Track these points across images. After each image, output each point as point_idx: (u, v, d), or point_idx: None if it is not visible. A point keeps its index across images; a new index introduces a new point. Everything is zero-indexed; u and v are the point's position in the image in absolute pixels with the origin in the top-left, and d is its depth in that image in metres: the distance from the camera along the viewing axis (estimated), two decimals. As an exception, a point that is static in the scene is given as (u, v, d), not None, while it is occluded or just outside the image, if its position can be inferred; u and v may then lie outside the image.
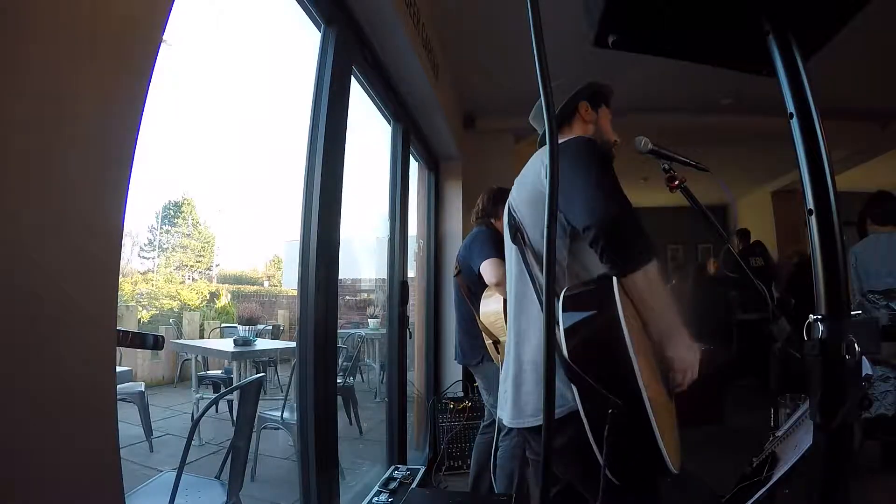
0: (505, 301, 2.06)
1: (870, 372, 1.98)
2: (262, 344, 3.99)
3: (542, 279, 1.03)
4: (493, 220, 2.34)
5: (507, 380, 1.19)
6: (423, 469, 2.20)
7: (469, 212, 2.57)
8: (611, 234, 0.92)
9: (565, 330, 0.92)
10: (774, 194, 6.80)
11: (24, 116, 0.60)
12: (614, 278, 0.93)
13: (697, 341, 1.03)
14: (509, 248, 1.25)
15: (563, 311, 0.94)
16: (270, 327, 6.43)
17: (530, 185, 1.18)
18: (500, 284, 2.02)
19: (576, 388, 0.89)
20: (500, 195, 2.40)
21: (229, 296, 10.17)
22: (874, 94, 3.66)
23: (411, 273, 3.52)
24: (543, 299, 0.53)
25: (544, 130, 1.27)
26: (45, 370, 0.61)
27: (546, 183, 1.03)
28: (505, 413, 1.17)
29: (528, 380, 1.10)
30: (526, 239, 1.15)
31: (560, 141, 1.10)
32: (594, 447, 0.87)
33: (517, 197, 1.22)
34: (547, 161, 1.05)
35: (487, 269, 2.07)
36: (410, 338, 3.22)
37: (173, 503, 1.50)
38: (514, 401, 1.12)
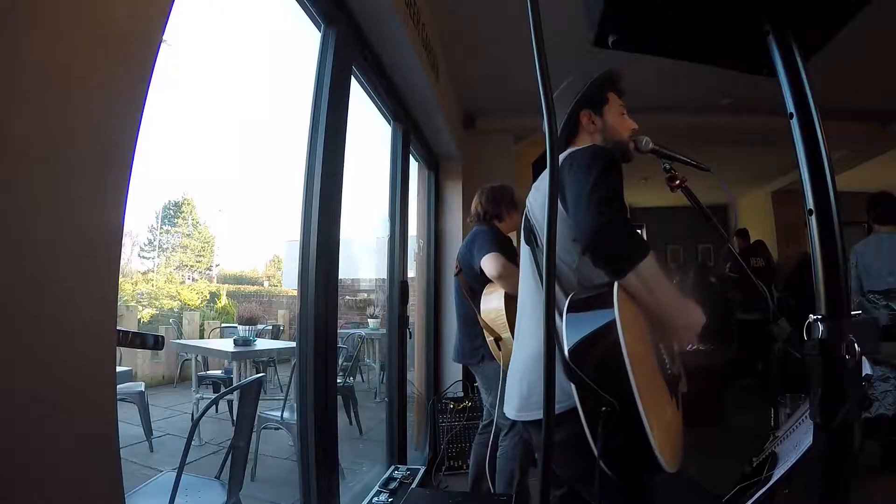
0: (506, 296, 2.07)
1: (870, 372, 1.98)
2: (262, 344, 3.99)
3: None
4: (494, 220, 2.34)
5: (513, 376, 1.22)
6: (423, 469, 2.21)
7: (469, 212, 2.57)
8: (597, 246, 0.98)
9: (567, 331, 0.97)
10: (774, 194, 6.80)
11: (25, 116, 0.60)
12: (615, 283, 0.98)
13: (698, 341, 1.05)
14: (523, 248, 1.29)
15: (567, 313, 0.99)
16: (270, 327, 6.43)
17: (545, 189, 1.20)
18: (502, 277, 2.02)
19: (574, 387, 0.94)
20: (497, 194, 2.39)
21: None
22: (874, 94, 3.65)
23: (411, 273, 3.51)
24: (543, 300, 0.53)
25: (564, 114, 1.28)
26: (46, 370, 0.61)
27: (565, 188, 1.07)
28: (508, 406, 1.20)
29: (533, 374, 1.13)
30: (539, 241, 1.19)
31: (572, 149, 1.15)
32: (590, 441, 0.91)
33: (534, 201, 1.26)
34: (563, 166, 1.09)
35: (488, 263, 2.06)
36: (410, 338, 3.22)
37: (173, 503, 1.50)
38: (518, 394, 1.15)
